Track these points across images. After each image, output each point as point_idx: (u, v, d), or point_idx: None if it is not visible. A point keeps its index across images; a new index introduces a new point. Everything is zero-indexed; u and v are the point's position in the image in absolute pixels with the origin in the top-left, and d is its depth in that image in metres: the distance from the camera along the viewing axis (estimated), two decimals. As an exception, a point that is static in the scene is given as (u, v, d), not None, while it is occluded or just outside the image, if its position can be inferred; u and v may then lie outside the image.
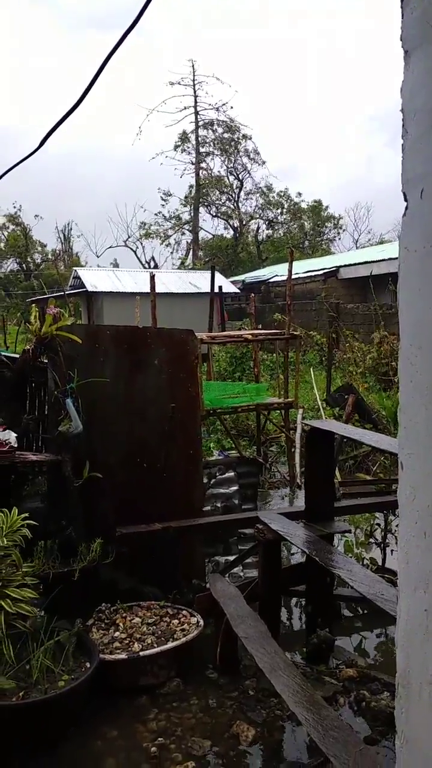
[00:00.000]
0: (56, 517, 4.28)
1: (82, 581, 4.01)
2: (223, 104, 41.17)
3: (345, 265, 25.42)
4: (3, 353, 4.47)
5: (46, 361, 4.39)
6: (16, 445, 3.87)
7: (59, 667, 3.52)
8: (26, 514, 3.64)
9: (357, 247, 43.27)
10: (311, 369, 13.07)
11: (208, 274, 22.67)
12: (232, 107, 43.15)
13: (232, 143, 42.44)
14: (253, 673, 3.94)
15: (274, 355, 16.21)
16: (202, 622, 4.15)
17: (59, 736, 3.39)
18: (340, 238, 46.26)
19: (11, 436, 3.86)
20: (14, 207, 40.41)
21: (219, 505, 5.37)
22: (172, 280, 22.92)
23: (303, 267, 27.81)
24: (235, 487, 5.47)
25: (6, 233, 41.66)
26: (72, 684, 3.37)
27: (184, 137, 42.17)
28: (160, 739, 3.42)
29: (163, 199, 43.68)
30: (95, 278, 23.54)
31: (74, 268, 29.03)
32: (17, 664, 3.44)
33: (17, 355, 4.78)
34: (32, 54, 67.97)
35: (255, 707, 3.69)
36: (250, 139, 42.13)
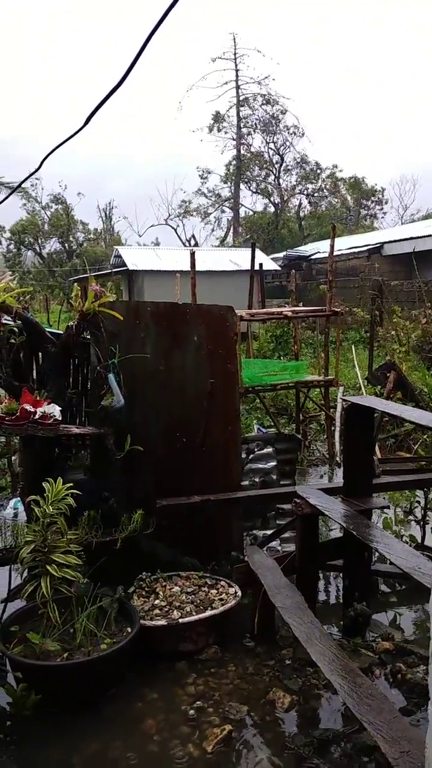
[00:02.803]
0: (99, 488, 4.40)
1: (124, 550, 4.13)
2: (265, 77, 40.42)
3: (389, 241, 24.88)
4: (48, 330, 4.58)
5: (89, 337, 4.48)
6: (60, 419, 3.98)
7: (102, 631, 3.66)
8: (71, 484, 3.77)
9: (402, 223, 42.20)
10: (353, 347, 12.93)
11: (248, 251, 22.52)
12: (274, 79, 42.15)
13: (273, 118, 41.73)
14: (290, 643, 4.02)
15: (315, 332, 16.08)
16: (239, 593, 4.24)
17: (102, 697, 3.54)
18: (383, 214, 45.14)
19: (56, 410, 3.97)
20: (60, 186, 40.70)
21: (257, 479, 5.43)
22: (212, 258, 22.86)
23: (346, 243, 27.33)
24: (273, 463, 5.51)
25: (49, 213, 42.10)
26: (114, 647, 3.51)
27: (218, 117, 41.60)
28: (198, 702, 3.53)
29: (202, 177, 43.40)
30: (136, 256, 23.68)
31: (115, 247, 29.22)
32: (62, 627, 3.60)
33: (61, 332, 4.88)
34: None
35: (291, 675, 3.77)
36: (290, 112, 41.34)
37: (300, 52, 66.38)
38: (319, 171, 42.99)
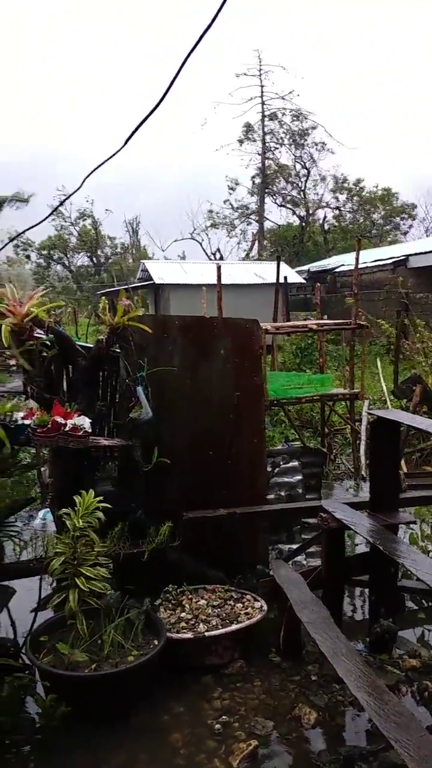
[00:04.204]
0: (126, 500, 4.44)
1: (151, 562, 4.16)
2: (289, 92, 40.70)
3: (415, 254, 24.71)
4: (78, 343, 4.67)
5: (118, 350, 4.55)
6: (90, 431, 4.05)
7: (129, 643, 3.69)
8: (101, 497, 3.82)
9: (427, 235, 41.93)
10: (378, 360, 12.85)
11: (273, 264, 22.55)
12: (298, 95, 42.38)
13: (299, 132, 41.94)
14: (315, 659, 4.00)
15: (340, 345, 16.01)
16: (265, 607, 4.24)
17: (129, 709, 3.56)
18: (409, 227, 44.90)
19: (86, 422, 4.04)
20: (87, 201, 41.33)
21: (283, 493, 5.43)
22: (238, 271, 22.99)
23: (371, 256, 27.23)
24: (299, 477, 5.51)
25: (78, 228, 42.78)
26: (141, 659, 3.54)
27: (248, 129, 41.99)
28: (224, 717, 3.53)
29: (230, 188, 43.67)
30: (162, 270, 23.93)
31: (142, 261, 29.56)
32: (90, 638, 3.64)
33: (90, 345, 4.97)
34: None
35: (317, 691, 3.75)
36: (316, 128, 41.52)
37: (323, 66, 66.70)
38: (344, 184, 43.01)
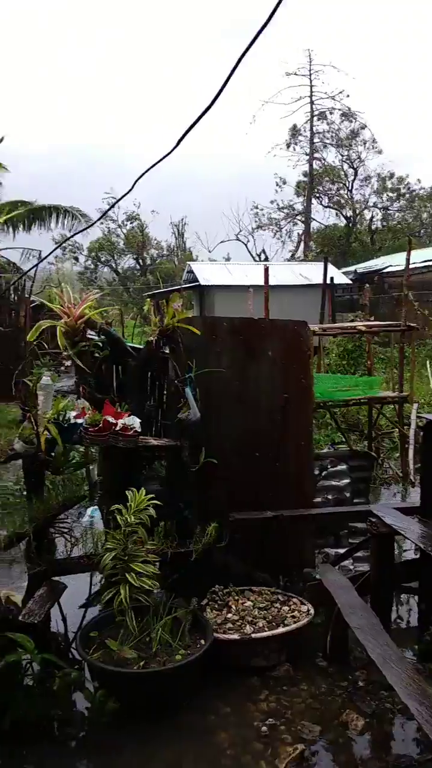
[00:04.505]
0: (174, 499, 4.48)
1: (197, 562, 4.19)
2: (339, 92, 40.25)
3: (466, 254, 24.08)
4: (128, 344, 4.74)
5: (167, 351, 4.60)
6: (140, 430, 4.11)
7: (177, 641, 3.72)
8: (152, 495, 3.87)
9: None
10: (428, 362, 12.59)
11: (318, 265, 22.33)
12: (348, 95, 41.79)
13: (348, 132, 41.46)
14: (363, 665, 3.95)
15: (389, 347, 15.73)
16: (312, 611, 4.21)
17: (176, 707, 3.59)
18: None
19: (136, 422, 4.10)
20: (134, 204, 41.83)
21: (330, 497, 5.38)
22: (283, 272, 22.87)
23: (421, 256, 26.64)
24: (347, 480, 5.45)
25: (125, 230, 43.36)
26: (188, 658, 3.56)
27: (295, 131, 41.74)
28: (270, 719, 3.53)
29: (278, 185, 43.42)
30: (208, 272, 24.03)
31: (188, 263, 29.75)
32: (139, 635, 3.69)
33: (138, 346, 5.04)
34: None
35: (365, 698, 3.70)
36: (366, 127, 40.92)
37: (375, 64, 65.74)
38: (391, 183, 42.27)
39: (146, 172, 3.04)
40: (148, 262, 43.94)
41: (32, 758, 3.28)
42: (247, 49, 2.39)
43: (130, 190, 3.22)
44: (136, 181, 3.15)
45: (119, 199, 3.77)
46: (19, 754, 3.29)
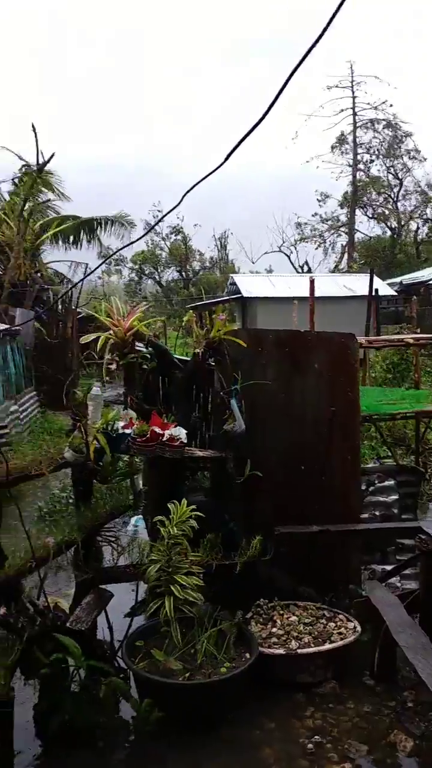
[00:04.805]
0: (219, 511, 4.49)
1: (242, 575, 4.17)
2: (382, 102, 40.00)
3: None
4: (176, 356, 4.80)
5: (212, 363, 4.63)
6: (186, 441, 4.14)
7: (222, 654, 3.71)
8: (194, 507, 3.89)
9: None
10: None
11: (362, 276, 22.13)
12: (391, 105, 41.48)
13: (392, 142, 41.09)
14: (412, 685, 3.86)
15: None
16: (359, 628, 4.14)
17: (220, 720, 3.57)
18: None
19: (182, 433, 4.13)
20: (178, 218, 42.31)
21: (377, 513, 5.29)
22: (326, 284, 22.71)
23: (469, 267, 26.14)
24: (395, 496, 5.35)
25: (168, 243, 43.91)
26: (234, 671, 3.55)
27: (338, 143, 41.62)
28: (316, 737, 3.48)
29: (319, 201, 43.35)
30: (250, 284, 24.09)
31: (231, 275, 29.90)
32: (183, 647, 3.69)
33: (185, 358, 5.09)
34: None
35: (413, 719, 3.61)
36: (410, 136, 40.51)
37: (419, 75, 65.07)
38: (438, 194, 41.61)
39: (194, 187, 3.08)
40: (191, 274, 44.34)
41: (78, 764, 3.31)
42: (298, 66, 2.41)
43: (178, 204, 3.28)
44: (184, 195, 3.19)
45: (166, 214, 3.94)
46: (66, 759, 3.33)
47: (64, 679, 3.48)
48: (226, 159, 2.90)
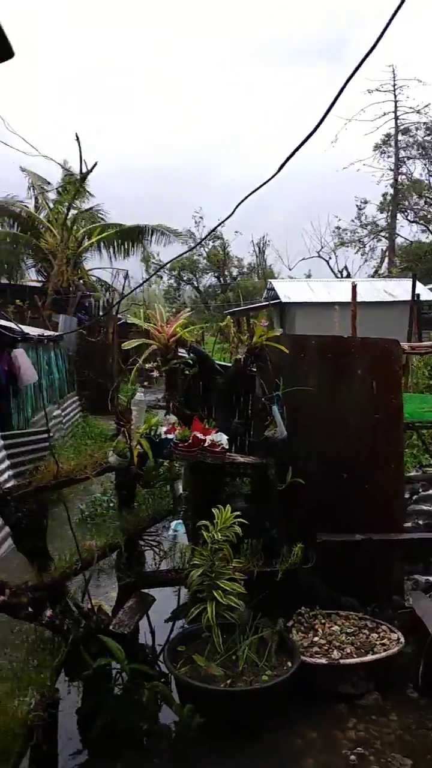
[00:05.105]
0: (259, 517, 4.48)
1: (283, 582, 4.15)
2: (425, 106, 39.40)
3: None
4: (217, 362, 4.82)
5: (254, 369, 4.63)
6: (227, 447, 4.15)
7: (263, 661, 3.69)
8: (238, 513, 3.89)
9: None
10: None
11: (403, 281, 21.79)
12: (435, 107, 40.80)
13: (434, 144, 40.44)
14: (458, 700, 3.77)
15: None
16: (402, 639, 4.06)
17: (261, 727, 3.56)
18: None
19: (223, 438, 4.15)
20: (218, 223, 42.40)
21: (420, 522, 5.20)
22: (366, 289, 22.43)
23: None
24: (439, 505, 5.25)
25: (207, 249, 44.11)
26: (275, 680, 3.53)
27: (379, 146, 41.17)
28: (359, 749, 3.43)
29: (359, 207, 42.97)
30: (289, 289, 23.99)
31: (269, 280, 29.85)
32: (225, 653, 3.69)
33: (226, 364, 5.11)
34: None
35: (460, 735, 3.53)
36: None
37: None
38: None
39: (247, 197, 3.09)
40: (229, 279, 44.44)
41: (123, 766, 3.34)
42: (354, 73, 2.41)
43: (231, 214, 3.29)
44: (237, 205, 3.21)
45: (220, 223, 3.82)
46: (110, 761, 3.36)
47: (108, 682, 3.52)
48: (280, 168, 2.91)
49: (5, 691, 2.89)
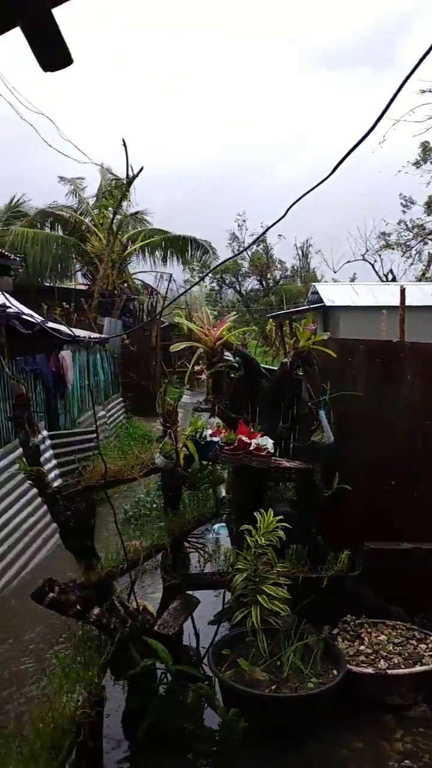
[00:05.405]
0: (305, 523, 4.44)
1: (329, 589, 4.09)
2: None
3: None
4: (262, 366, 4.80)
5: (300, 373, 4.60)
6: (272, 451, 4.13)
7: (308, 668, 3.65)
8: (281, 517, 3.86)
9: None
10: None
11: (452, 285, 21.25)
12: None
13: None
14: None
15: None
16: (452, 652, 3.96)
17: (305, 735, 3.51)
18: None
19: (269, 443, 4.12)
20: (262, 227, 42.37)
21: (471, 531, 5.04)
22: (412, 292, 21.95)
23: None
24: None
25: (250, 253, 44.10)
26: (321, 687, 3.48)
27: (427, 148, 40.36)
28: (406, 761, 3.36)
29: (403, 206, 42.19)
30: (333, 293, 23.73)
31: (313, 284, 29.64)
32: (269, 658, 3.66)
33: (272, 367, 5.08)
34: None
35: None
36: None
37: None
38: None
39: (298, 200, 3.06)
40: (272, 283, 44.31)
41: (168, 766, 3.35)
42: (407, 78, 2.37)
43: (282, 217, 3.26)
44: (289, 208, 3.17)
45: (271, 226, 3.77)
46: (155, 761, 3.37)
47: (152, 682, 3.54)
48: (333, 171, 2.87)
49: (54, 687, 2.94)
